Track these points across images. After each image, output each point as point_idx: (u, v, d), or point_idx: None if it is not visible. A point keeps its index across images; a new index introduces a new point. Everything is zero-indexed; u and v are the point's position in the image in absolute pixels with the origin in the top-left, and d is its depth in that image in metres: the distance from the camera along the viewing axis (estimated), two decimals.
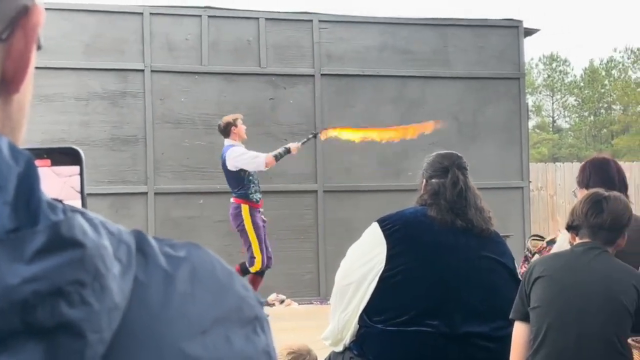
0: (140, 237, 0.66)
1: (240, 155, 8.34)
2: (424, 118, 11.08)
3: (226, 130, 8.51)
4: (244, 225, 8.38)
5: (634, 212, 4.07)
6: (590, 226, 3.34)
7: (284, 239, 9.91)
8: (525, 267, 4.14)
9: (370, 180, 10.84)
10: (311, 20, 10.85)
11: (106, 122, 10.07)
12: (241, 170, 8.36)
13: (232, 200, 8.52)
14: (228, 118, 8.58)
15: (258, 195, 8.47)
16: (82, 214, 0.62)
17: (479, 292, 3.53)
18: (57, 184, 0.84)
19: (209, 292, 0.67)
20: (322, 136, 8.93)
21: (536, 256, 5.44)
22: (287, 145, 8.60)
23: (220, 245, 9.64)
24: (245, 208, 8.34)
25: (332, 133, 8.89)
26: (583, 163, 4.44)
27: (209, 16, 10.48)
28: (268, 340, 0.69)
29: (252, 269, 8.36)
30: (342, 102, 10.85)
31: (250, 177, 8.42)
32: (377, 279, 3.52)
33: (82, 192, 0.86)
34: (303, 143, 8.66)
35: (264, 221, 8.59)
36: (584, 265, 3.29)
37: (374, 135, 9.07)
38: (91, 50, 10.09)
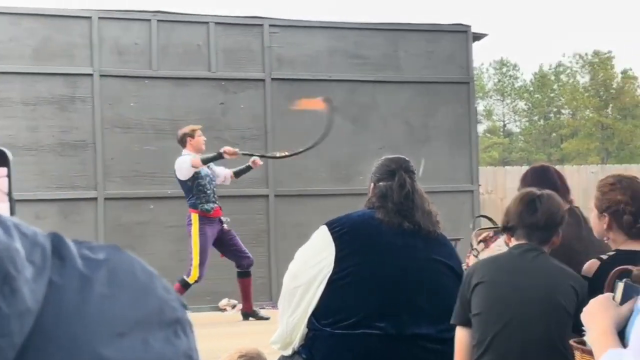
0: (56, 240, 0.65)
1: (181, 165, 8.28)
2: (374, 122, 11.14)
3: (182, 141, 8.48)
4: (191, 232, 8.33)
5: (584, 214, 4.12)
6: (525, 226, 3.35)
7: None
8: (471, 256, 4.11)
9: (321, 185, 10.84)
10: (261, 25, 10.83)
11: (54, 127, 9.95)
12: (189, 179, 8.31)
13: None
14: (185, 129, 8.52)
15: (210, 205, 8.36)
16: None
17: (427, 294, 3.55)
18: None
19: (129, 294, 0.66)
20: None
21: (481, 245, 5.40)
22: (221, 150, 8.37)
23: (172, 251, 9.57)
24: (195, 217, 8.30)
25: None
26: (524, 173, 4.44)
27: (159, 20, 10.40)
28: (190, 343, 0.68)
29: (189, 279, 8.20)
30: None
31: (200, 187, 8.33)
32: (325, 281, 3.53)
33: (9, 194, 0.84)
34: (244, 154, 8.62)
35: (221, 231, 8.48)
36: (523, 268, 3.29)
37: None
38: (39, 54, 9.96)
